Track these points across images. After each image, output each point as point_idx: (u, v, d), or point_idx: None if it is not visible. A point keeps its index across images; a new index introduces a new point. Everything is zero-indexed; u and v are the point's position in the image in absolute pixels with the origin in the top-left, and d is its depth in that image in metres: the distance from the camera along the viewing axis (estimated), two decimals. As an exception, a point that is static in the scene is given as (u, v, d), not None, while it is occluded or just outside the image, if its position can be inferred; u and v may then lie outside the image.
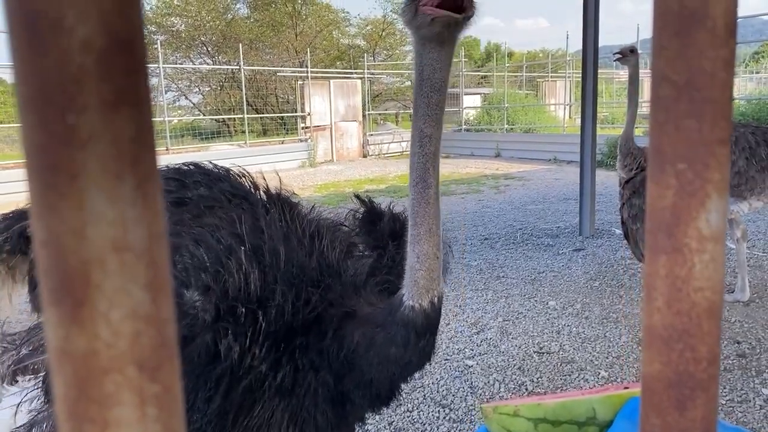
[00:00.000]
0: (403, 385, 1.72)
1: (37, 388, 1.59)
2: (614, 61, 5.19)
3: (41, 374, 1.61)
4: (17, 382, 1.70)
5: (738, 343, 4.20)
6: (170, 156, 14.38)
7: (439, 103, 1.44)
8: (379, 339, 1.49)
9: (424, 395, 3.68)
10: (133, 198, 0.22)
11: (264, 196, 1.80)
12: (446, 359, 4.17)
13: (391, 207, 1.97)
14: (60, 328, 0.22)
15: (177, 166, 1.84)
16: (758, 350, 4.08)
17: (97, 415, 0.22)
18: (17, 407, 1.59)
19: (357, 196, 2.01)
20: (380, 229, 1.87)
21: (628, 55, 5.00)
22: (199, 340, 1.41)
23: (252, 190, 1.81)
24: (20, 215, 2.06)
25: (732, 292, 4.97)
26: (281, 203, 1.77)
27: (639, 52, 5.14)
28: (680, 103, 0.34)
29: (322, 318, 1.53)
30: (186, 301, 1.42)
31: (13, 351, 1.70)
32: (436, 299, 1.48)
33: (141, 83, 0.22)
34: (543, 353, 4.21)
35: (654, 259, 0.36)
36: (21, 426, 1.57)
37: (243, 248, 1.49)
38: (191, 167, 1.84)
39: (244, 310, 1.44)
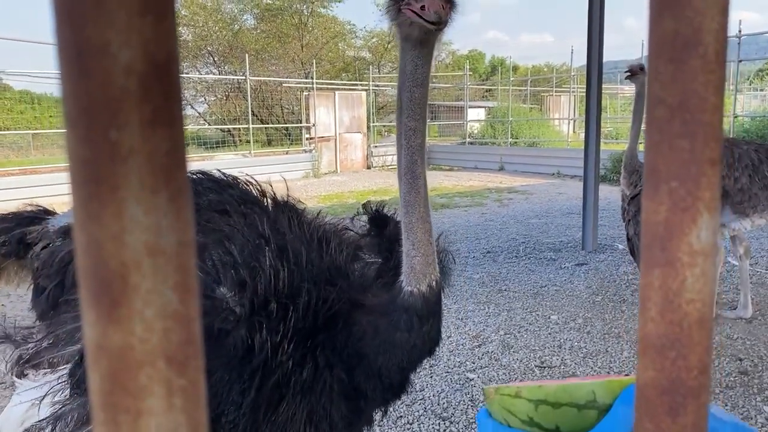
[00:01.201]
0: (412, 376, 1.76)
1: (62, 382, 1.60)
2: (626, 78, 5.23)
3: (60, 368, 1.63)
4: (26, 375, 1.72)
5: (740, 360, 4.19)
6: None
7: (421, 98, 1.53)
8: (383, 325, 1.55)
9: (425, 408, 3.68)
10: (167, 208, 0.24)
11: (271, 203, 1.84)
12: (447, 372, 4.16)
13: (396, 214, 2.00)
14: (97, 325, 0.24)
15: None
16: (760, 368, 4.06)
17: (131, 406, 0.24)
18: (40, 400, 1.61)
19: (364, 205, 2.07)
20: (387, 233, 1.92)
21: (638, 72, 5.03)
22: (235, 333, 1.46)
23: (260, 196, 1.86)
24: (19, 220, 2.08)
25: (734, 309, 4.96)
26: (288, 209, 1.82)
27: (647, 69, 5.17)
28: (674, 124, 0.37)
29: (337, 314, 1.59)
30: (219, 296, 1.47)
31: (32, 344, 1.72)
32: (434, 283, 1.55)
33: (175, 104, 0.24)
34: (544, 367, 4.20)
35: (649, 272, 0.38)
36: (44, 419, 1.58)
37: (269, 247, 1.55)
38: (200, 175, 1.88)
39: (276, 305, 1.49)
